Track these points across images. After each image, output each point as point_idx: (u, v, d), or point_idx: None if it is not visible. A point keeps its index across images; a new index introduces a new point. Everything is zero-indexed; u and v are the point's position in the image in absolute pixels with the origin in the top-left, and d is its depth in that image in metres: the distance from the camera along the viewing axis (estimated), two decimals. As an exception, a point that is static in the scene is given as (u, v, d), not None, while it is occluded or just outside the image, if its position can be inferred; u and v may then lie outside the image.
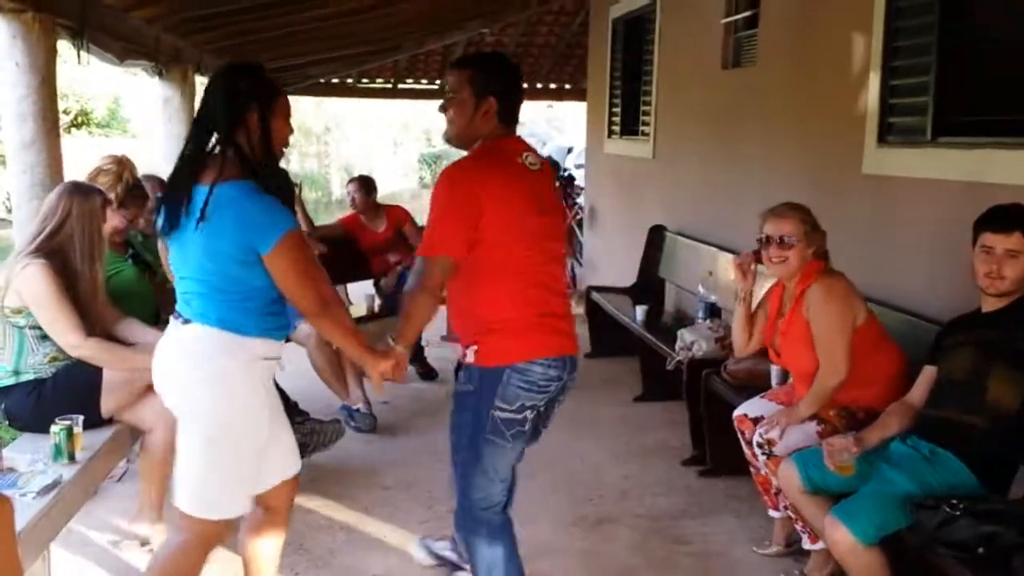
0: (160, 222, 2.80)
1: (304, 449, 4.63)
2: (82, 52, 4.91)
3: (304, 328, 5.35)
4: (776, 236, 3.67)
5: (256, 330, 2.79)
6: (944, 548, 2.82)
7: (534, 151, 3.11)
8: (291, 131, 2.93)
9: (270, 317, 2.83)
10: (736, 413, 3.97)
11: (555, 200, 3.23)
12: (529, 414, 3.02)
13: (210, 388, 2.78)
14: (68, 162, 4.64)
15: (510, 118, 3.05)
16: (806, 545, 3.67)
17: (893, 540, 3.04)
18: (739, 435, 3.92)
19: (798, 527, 3.67)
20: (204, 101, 2.84)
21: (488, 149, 3.01)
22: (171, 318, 2.86)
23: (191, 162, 2.77)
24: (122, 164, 4.17)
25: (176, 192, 2.74)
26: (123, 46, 5.71)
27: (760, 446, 3.69)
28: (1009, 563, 2.67)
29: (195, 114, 2.90)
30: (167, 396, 2.88)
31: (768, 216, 3.75)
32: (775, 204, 3.80)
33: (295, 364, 5.59)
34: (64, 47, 4.84)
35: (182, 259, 2.79)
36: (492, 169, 2.95)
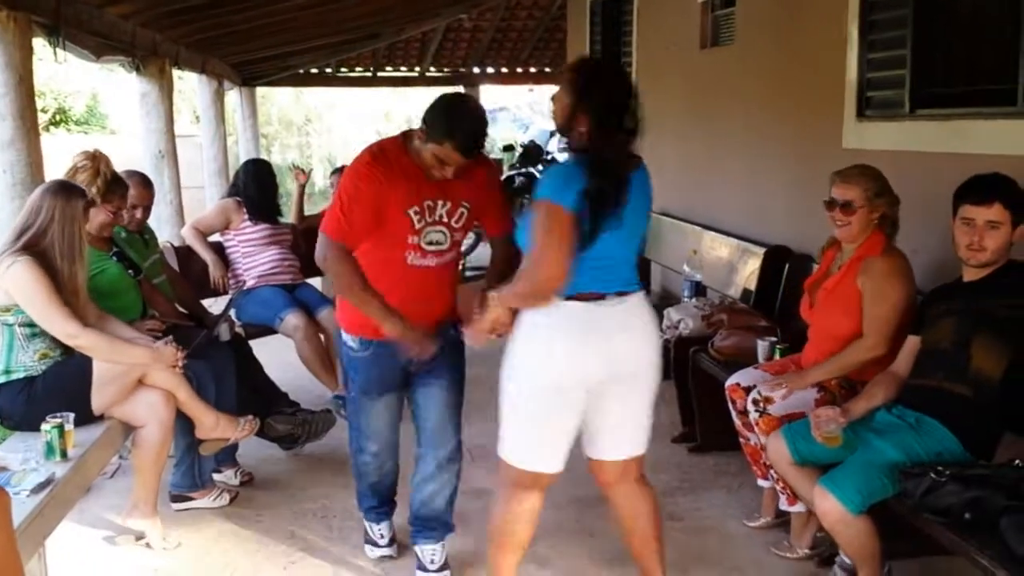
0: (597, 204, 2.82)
1: (296, 440, 4.68)
2: (58, 49, 4.90)
3: (292, 320, 5.37)
4: (840, 199, 3.64)
5: None
6: (931, 514, 2.86)
7: None
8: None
9: None
10: (728, 382, 3.98)
11: None
12: None
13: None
14: (48, 160, 4.63)
15: None
16: (783, 506, 3.71)
17: (881, 508, 3.08)
18: (730, 405, 3.93)
19: (778, 487, 3.70)
20: None
21: None
22: (625, 289, 2.96)
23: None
24: (96, 159, 4.16)
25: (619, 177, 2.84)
26: (99, 42, 5.69)
27: (756, 402, 3.69)
28: (995, 526, 2.71)
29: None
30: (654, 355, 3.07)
31: (835, 178, 3.70)
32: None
33: (284, 356, 5.61)
34: (40, 45, 4.82)
35: (628, 236, 2.91)
36: None
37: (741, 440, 3.94)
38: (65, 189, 3.69)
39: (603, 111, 2.80)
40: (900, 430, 3.21)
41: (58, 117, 19.40)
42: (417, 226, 3.27)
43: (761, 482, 3.93)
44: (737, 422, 3.91)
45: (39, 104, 5.16)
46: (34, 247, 3.56)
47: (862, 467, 3.13)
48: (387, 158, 3.26)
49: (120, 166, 4.48)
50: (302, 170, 6.77)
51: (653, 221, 7.01)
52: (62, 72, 15.89)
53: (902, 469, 3.00)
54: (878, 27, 4.36)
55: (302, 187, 6.59)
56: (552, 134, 18.12)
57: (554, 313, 2.87)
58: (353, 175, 3.27)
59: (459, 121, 3.17)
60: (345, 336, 3.54)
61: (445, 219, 3.33)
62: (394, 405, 3.63)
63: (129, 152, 8.62)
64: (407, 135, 3.33)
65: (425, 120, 3.19)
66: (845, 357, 3.62)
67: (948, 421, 3.14)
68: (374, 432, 3.65)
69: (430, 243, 3.32)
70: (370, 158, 3.27)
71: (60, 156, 4.40)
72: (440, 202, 3.30)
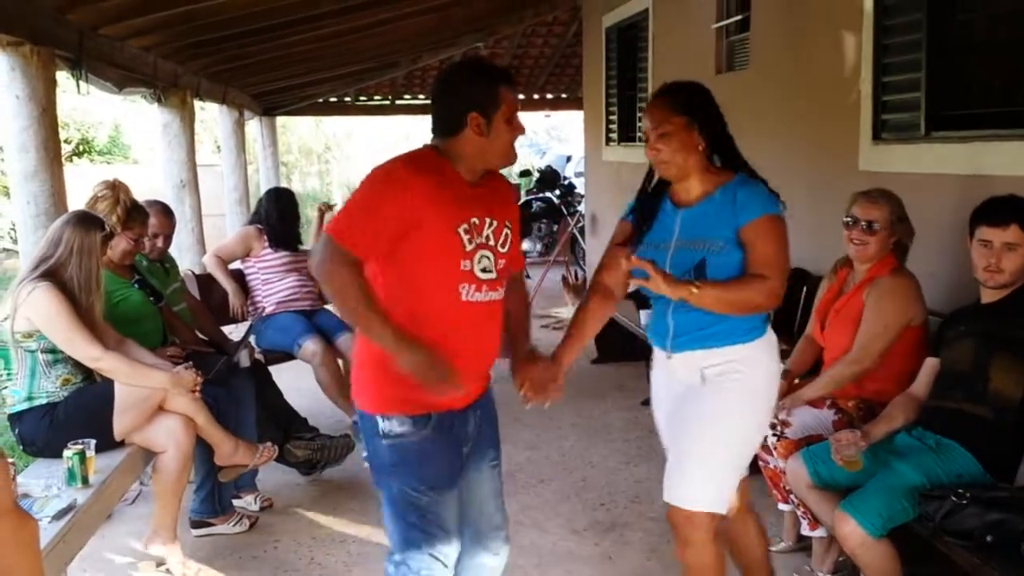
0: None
1: (315, 464, 4.70)
2: (81, 82, 4.96)
3: (310, 346, 5.39)
4: (863, 219, 3.66)
5: None
6: (952, 537, 2.85)
7: None
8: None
9: None
10: None
11: None
12: None
13: None
14: (71, 191, 4.68)
15: None
16: (805, 531, 3.69)
17: (902, 531, 3.07)
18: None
19: (799, 512, 3.69)
20: None
21: None
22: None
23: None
24: (116, 188, 4.22)
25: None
26: (121, 74, 5.76)
27: (773, 427, 3.70)
28: (1017, 549, 2.69)
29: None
30: None
31: (858, 198, 3.73)
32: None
33: (303, 382, 5.64)
34: (63, 77, 4.89)
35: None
36: None
37: (760, 463, 3.92)
38: (83, 221, 3.74)
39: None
40: (920, 453, 3.19)
41: (81, 148, 19.61)
42: (468, 248, 2.58)
43: (782, 506, 3.91)
44: (756, 446, 3.90)
45: (62, 135, 5.22)
46: (52, 276, 3.61)
47: (883, 490, 3.11)
48: (425, 164, 2.58)
49: (142, 196, 4.55)
50: (328, 204, 6.84)
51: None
52: (85, 103, 16.06)
53: (922, 492, 2.99)
54: (892, 50, 4.37)
55: (321, 215, 6.62)
56: (568, 159, 18.23)
57: (769, 343, 2.88)
58: (382, 176, 2.54)
59: (483, 63, 2.88)
60: (380, 420, 2.65)
61: (492, 242, 2.65)
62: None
63: (151, 182, 8.72)
64: (433, 146, 2.65)
65: (460, 97, 2.59)
66: (831, 373, 3.67)
67: (968, 443, 3.12)
68: (448, 534, 2.71)
69: (483, 270, 2.62)
70: (405, 161, 2.58)
71: (83, 186, 4.46)
72: (487, 220, 2.64)
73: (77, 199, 4.49)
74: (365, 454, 2.82)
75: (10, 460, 2.50)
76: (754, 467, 3.97)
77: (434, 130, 2.66)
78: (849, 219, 3.71)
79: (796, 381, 3.92)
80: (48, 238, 3.71)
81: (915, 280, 3.67)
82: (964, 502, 2.84)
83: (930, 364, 3.40)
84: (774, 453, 3.70)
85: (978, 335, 3.24)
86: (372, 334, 2.54)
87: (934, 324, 3.58)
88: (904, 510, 3.03)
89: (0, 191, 17.50)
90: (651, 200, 3.03)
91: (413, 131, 24.33)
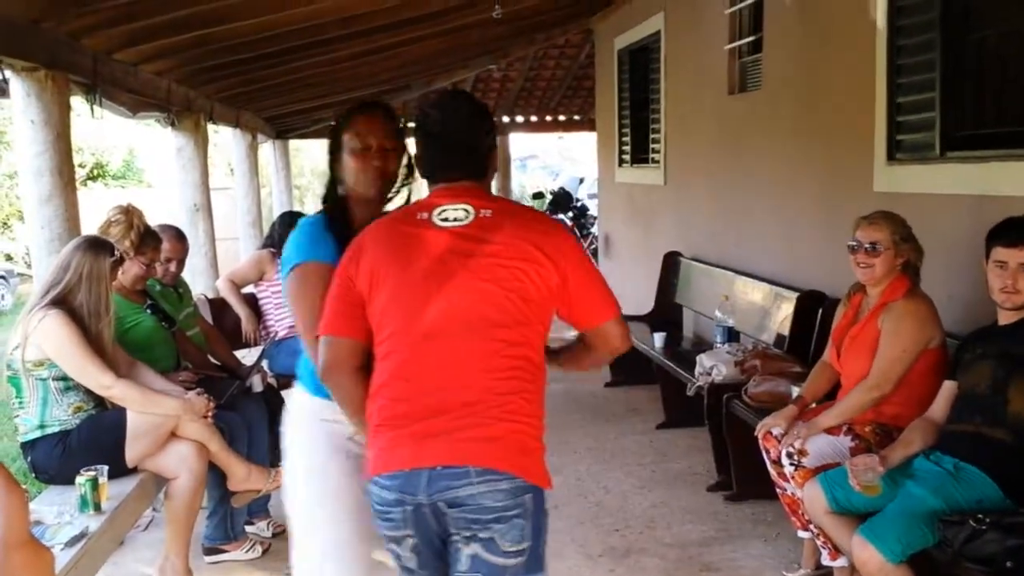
0: None
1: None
2: (95, 106, 4.99)
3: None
4: (865, 242, 3.65)
5: None
6: (972, 563, 2.80)
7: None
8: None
9: None
10: (759, 430, 3.93)
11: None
12: (395, 548, 2.36)
13: None
14: (85, 215, 4.70)
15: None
16: (825, 561, 3.65)
17: (922, 557, 3.02)
18: (764, 453, 3.90)
19: (819, 542, 3.65)
20: None
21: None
22: None
23: None
24: (129, 213, 4.23)
25: None
26: (135, 99, 5.80)
27: (790, 455, 3.67)
28: (1039, 576, 2.65)
29: None
30: None
31: (860, 222, 3.72)
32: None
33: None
34: (78, 102, 4.91)
35: None
36: None
37: (778, 490, 3.88)
38: (93, 246, 3.74)
39: None
40: (939, 477, 3.15)
41: (95, 172, 19.75)
42: None
43: (801, 533, 3.87)
44: (772, 472, 3.86)
45: (77, 159, 5.24)
46: (62, 303, 3.61)
47: (901, 516, 3.07)
48: None
49: (156, 219, 4.55)
50: None
51: (684, 266, 7.03)
52: (99, 127, 16.18)
53: (942, 517, 2.95)
54: (906, 71, 4.35)
55: None
56: (581, 181, 18.26)
57: None
58: None
59: None
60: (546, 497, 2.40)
61: None
62: None
63: (165, 205, 8.75)
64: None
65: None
66: (849, 400, 3.64)
67: (987, 467, 3.08)
68: None
69: None
70: None
71: (97, 210, 4.47)
72: None
73: (91, 223, 4.51)
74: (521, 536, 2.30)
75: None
76: (772, 494, 3.96)
77: None
78: (853, 243, 3.70)
79: (813, 405, 3.89)
80: (57, 263, 3.72)
81: (930, 302, 3.64)
82: (984, 527, 2.80)
83: (948, 387, 3.37)
84: (791, 481, 3.67)
85: (996, 357, 3.20)
86: None
87: (951, 346, 3.54)
88: (923, 535, 2.99)
89: (14, 215, 17.62)
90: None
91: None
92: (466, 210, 2.32)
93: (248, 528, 4.45)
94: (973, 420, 3.19)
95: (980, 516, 2.83)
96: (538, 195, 15.04)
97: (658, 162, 7.94)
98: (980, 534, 2.79)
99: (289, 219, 5.98)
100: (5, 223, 18.93)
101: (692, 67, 7.13)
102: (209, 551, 4.28)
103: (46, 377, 3.64)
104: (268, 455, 4.31)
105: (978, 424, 3.17)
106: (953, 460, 3.17)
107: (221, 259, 7.57)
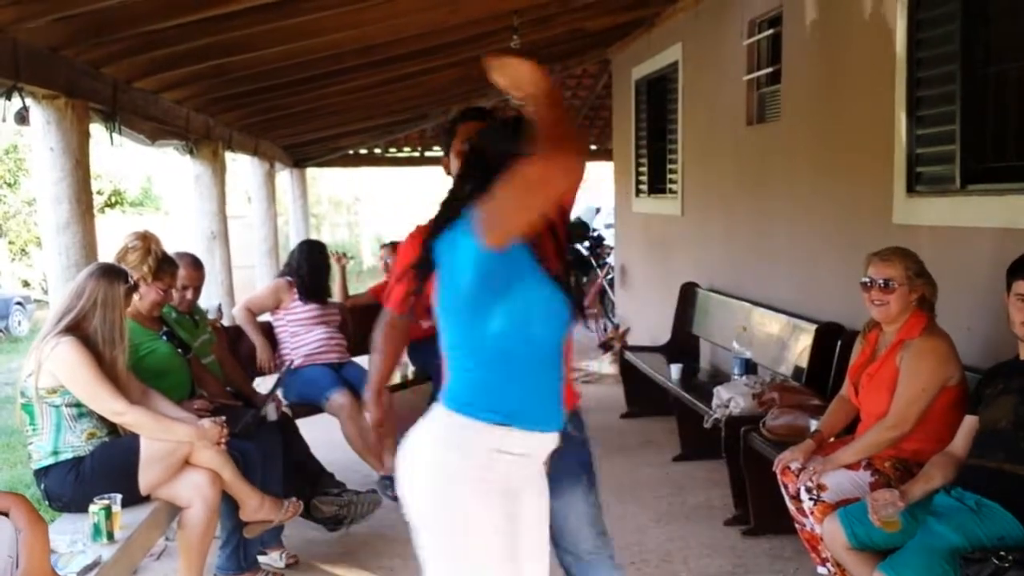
0: None
1: (341, 520, 4.65)
2: (114, 134, 5.02)
3: (337, 399, 5.37)
4: (879, 279, 3.63)
5: None
6: (996, 602, 2.75)
7: None
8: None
9: None
10: (777, 465, 3.88)
11: None
12: None
13: None
14: (102, 242, 4.71)
15: None
16: None
17: (944, 596, 2.97)
18: (782, 488, 3.85)
19: None
20: None
21: None
22: None
23: None
24: (147, 239, 4.24)
25: None
26: (154, 126, 5.83)
27: (808, 490, 3.62)
28: (1065, 617, 2.60)
29: None
30: None
31: (872, 259, 3.71)
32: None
33: (331, 435, 5.60)
34: (96, 129, 4.94)
35: None
36: None
37: (796, 525, 3.83)
38: (107, 273, 3.74)
39: None
40: (960, 513, 3.10)
41: (113, 199, 19.89)
42: None
43: (820, 569, 3.81)
44: (790, 506, 3.81)
45: (95, 186, 5.27)
46: (76, 330, 3.60)
47: (922, 552, 3.02)
48: None
49: (173, 247, 4.56)
50: (343, 255, 7.09)
51: (701, 297, 7.00)
52: (118, 154, 16.30)
53: (963, 555, 2.90)
54: (926, 103, 4.33)
55: (343, 268, 6.86)
56: (598, 211, 18.23)
57: None
58: None
59: None
60: None
61: None
62: None
63: (182, 233, 8.77)
64: None
65: None
66: (868, 438, 3.60)
67: (1010, 504, 3.03)
68: None
69: None
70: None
71: (115, 237, 4.48)
72: None
73: (108, 250, 4.52)
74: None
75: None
76: (791, 529, 3.90)
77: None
78: (867, 280, 3.67)
79: (832, 440, 3.85)
80: (71, 290, 3.72)
81: (948, 339, 3.60)
82: (1007, 565, 2.75)
83: (969, 422, 3.32)
84: (811, 516, 3.62)
85: (1018, 392, 3.16)
86: None
87: (972, 380, 3.50)
88: (944, 573, 2.93)
89: (32, 242, 17.73)
90: None
91: (445, 181, 24.55)
92: None
93: (261, 558, 4.42)
94: (996, 456, 3.14)
95: (1003, 553, 2.79)
96: (554, 224, 15.00)
97: (675, 192, 7.93)
98: (1003, 572, 2.74)
99: (308, 248, 6.00)
100: (23, 250, 19.08)
101: (710, 98, 7.13)
102: (221, 581, 4.25)
103: (59, 404, 3.63)
104: (281, 485, 4.29)
105: (1000, 460, 3.12)
106: (975, 496, 3.12)
107: (237, 287, 7.58)
